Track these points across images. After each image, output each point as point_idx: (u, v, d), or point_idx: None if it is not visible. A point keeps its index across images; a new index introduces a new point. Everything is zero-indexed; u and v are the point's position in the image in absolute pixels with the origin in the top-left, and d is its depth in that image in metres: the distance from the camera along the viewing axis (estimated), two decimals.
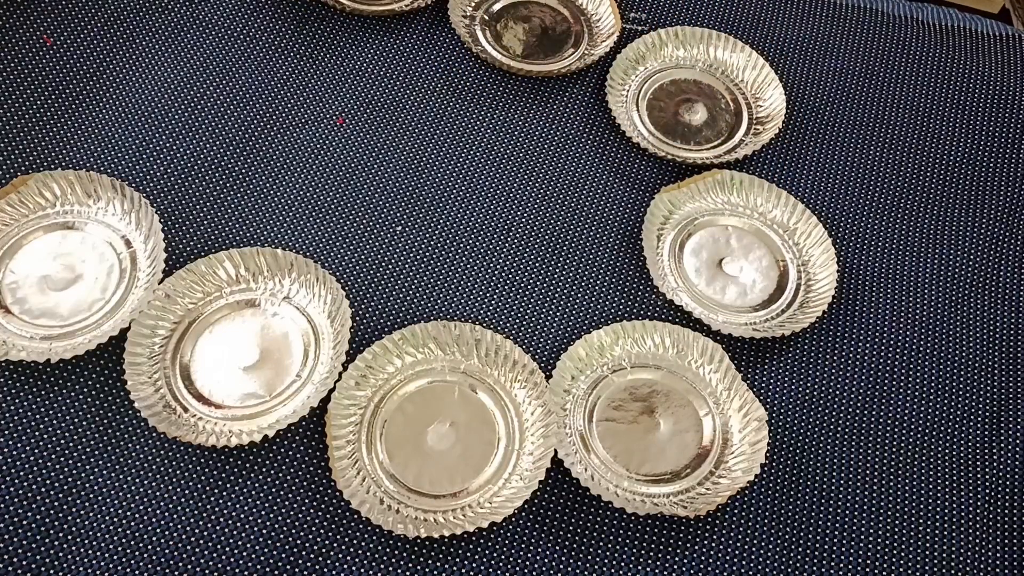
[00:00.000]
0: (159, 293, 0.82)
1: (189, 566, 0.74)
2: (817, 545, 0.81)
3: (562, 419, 0.83)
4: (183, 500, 0.77)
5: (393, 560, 0.76)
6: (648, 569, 0.78)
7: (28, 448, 0.77)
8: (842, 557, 0.81)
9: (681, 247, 0.95)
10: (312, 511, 0.78)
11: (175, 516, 0.76)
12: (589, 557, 0.78)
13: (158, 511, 0.76)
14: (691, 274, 0.93)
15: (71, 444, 0.78)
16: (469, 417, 0.82)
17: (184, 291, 0.84)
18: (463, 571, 0.77)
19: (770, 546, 0.81)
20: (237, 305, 0.85)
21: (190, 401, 0.80)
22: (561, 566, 0.78)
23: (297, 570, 0.75)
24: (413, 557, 0.76)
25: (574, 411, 0.85)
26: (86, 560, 0.74)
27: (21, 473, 0.76)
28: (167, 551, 0.75)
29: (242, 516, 0.77)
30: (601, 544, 0.79)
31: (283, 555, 0.76)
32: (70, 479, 0.76)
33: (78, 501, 0.76)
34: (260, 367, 0.82)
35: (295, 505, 0.78)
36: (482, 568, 0.77)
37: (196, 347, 0.83)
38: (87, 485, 0.76)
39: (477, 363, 0.85)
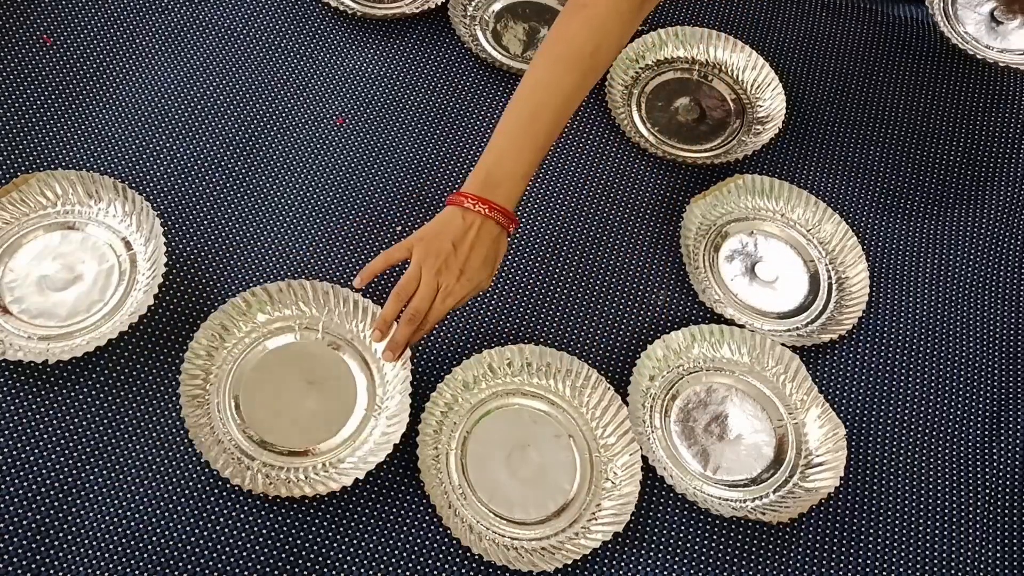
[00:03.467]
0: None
1: (189, 566, 0.74)
2: (817, 545, 0.81)
3: (641, 418, 0.84)
4: (183, 500, 0.77)
5: (390, 560, 0.76)
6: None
7: (28, 448, 0.77)
8: (842, 557, 0.81)
9: (716, 256, 0.95)
10: (312, 510, 0.78)
11: (175, 516, 0.76)
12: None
13: (158, 511, 0.76)
14: (728, 282, 0.93)
15: (71, 444, 0.78)
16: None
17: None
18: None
19: (769, 545, 0.81)
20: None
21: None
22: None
23: (297, 570, 0.75)
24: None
25: (651, 411, 0.85)
26: (86, 560, 0.74)
27: (21, 473, 0.76)
28: (167, 551, 0.75)
29: (242, 516, 0.77)
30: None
31: (283, 555, 0.76)
32: (70, 479, 0.76)
33: (78, 501, 0.76)
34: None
35: (295, 505, 0.78)
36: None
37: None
38: (87, 485, 0.76)
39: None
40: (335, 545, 0.77)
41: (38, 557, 0.73)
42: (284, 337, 0.84)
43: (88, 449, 0.78)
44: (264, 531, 0.76)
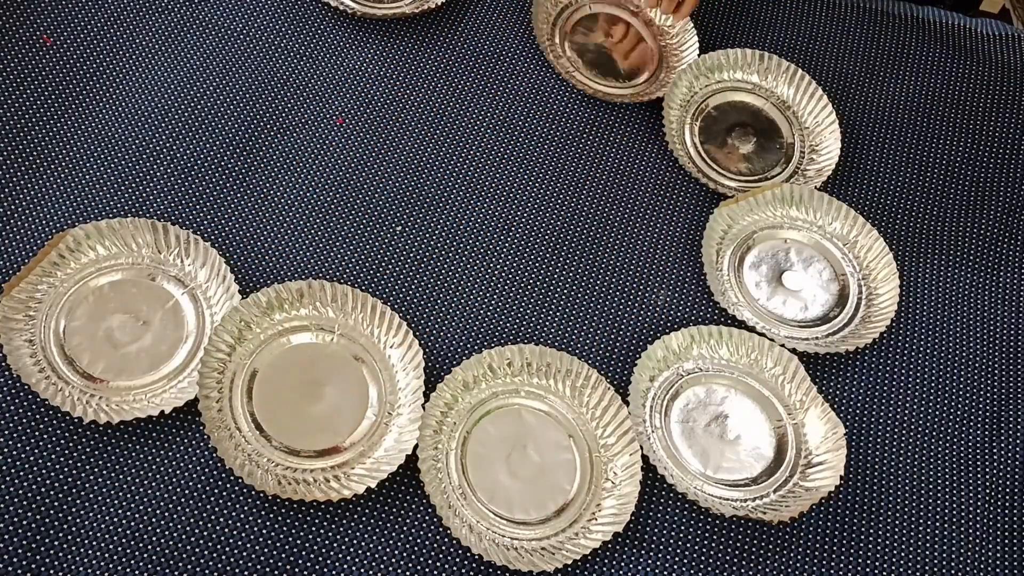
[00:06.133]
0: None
1: (189, 566, 0.74)
2: (817, 545, 0.81)
3: (641, 420, 0.84)
4: (183, 500, 0.77)
5: (390, 560, 0.76)
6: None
7: (28, 448, 0.77)
8: (842, 557, 0.81)
9: (741, 261, 0.94)
10: (312, 511, 0.78)
11: (175, 516, 0.76)
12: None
13: (158, 511, 0.76)
14: (751, 288, 0.93)
15: (71, 444, 0.78)
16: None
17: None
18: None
19: (769, 545, 0.81)
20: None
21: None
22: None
23: (297, 570, 0.75)
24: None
25: (651, 411, 0.85)
26: (86, 560, 0.74)
27: (21, 473, 0.76)
28: (167, 551, 0.75)
29: (242, 516, 0.77)
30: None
31: (283, 555, 0.76)
32: (70, 479, 0.76)
33: (78, 501, 0.76)
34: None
35: (295, 505, 0.78)
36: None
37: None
38: (87, 485, 0.76)
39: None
40: (335, 545, 0.77)
41: (38, 557, 0.73)
42: (300, 336, 0.84)
43: (88, 449, 0.78)
44: (264, 531, 0.76)
